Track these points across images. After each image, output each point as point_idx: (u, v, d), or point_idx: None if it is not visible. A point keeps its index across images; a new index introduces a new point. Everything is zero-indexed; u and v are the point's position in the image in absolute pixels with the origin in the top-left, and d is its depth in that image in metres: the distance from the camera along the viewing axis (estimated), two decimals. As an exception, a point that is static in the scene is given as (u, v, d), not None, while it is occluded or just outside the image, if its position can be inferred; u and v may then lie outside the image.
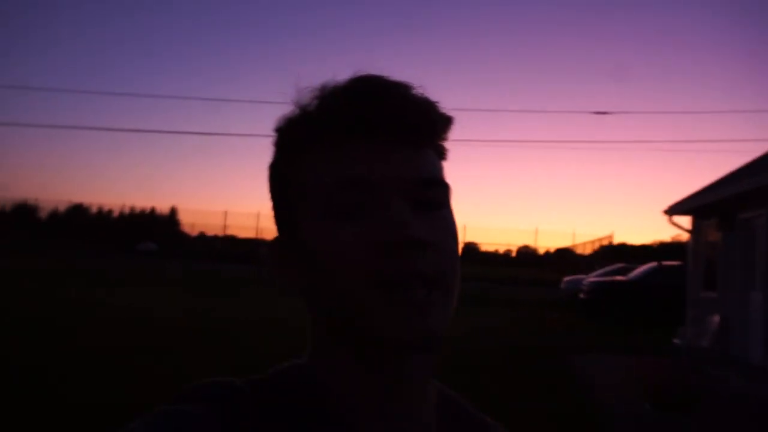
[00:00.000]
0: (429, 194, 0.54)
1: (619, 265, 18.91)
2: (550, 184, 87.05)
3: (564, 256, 42.01)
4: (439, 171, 0.56)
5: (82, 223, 51.55)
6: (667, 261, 14.82)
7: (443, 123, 0.56)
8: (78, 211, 57.39)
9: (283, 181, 0.57)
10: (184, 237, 47.49)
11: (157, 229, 50.03)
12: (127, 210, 56.53)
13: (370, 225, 0.51)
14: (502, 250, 58.15)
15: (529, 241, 57.58)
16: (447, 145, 0.59)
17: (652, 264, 14.85)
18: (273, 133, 0.58)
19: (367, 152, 0.52)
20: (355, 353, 0.54)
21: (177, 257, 31.93)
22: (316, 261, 0.53)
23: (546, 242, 67.78)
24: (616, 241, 35.98)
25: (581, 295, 14.87)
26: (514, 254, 58.28)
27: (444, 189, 0.56)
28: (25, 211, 53.31)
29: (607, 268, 19.11)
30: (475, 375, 6.86)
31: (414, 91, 0.54)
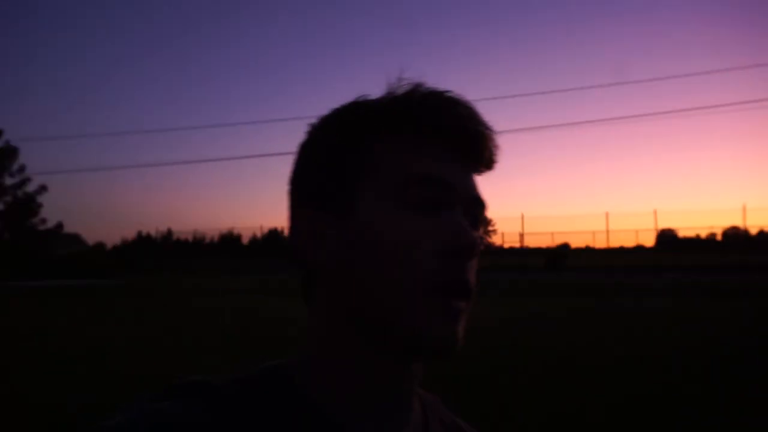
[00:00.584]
0: (478, 214, 0.57)
1: None
2: (756, 152, 76.33)
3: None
4: None
5: (277, 245, 56.13)
6: None
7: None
8: (273, 235, 62.78)
9: (347, 157, 0.55)
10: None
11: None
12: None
13: (437, 229, 0.52)
14: (704, 234, 52.21)
15: (737, 221, 50.70)
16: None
17: None
18: (350, 105, 0.58)
19: (443, 159, 0.54)
20: (374, 348, 0.53)
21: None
22: (375, 247, 0.52)
23: (758, 221, 58.83)
24: None
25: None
26: (719, 237, 52.10)
27: (486, 212, 0.58)
28: (230, 239, 59.53)
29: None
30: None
31: (489, 124, 0.57)
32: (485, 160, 0.57)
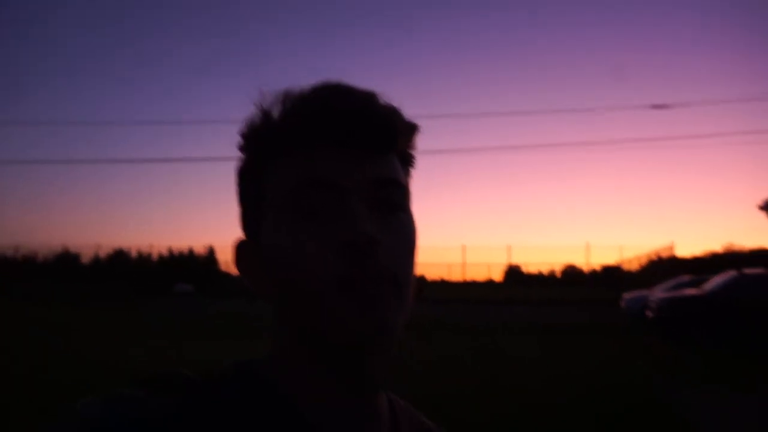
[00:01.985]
0: (386, 195, 0.56)
1: (687, 277, 17.20)
2: (602, 192, 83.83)
3: (612, 274, 40.25)
4: (398, 174, 0.58)
5: (123, 267, 51.99)
6: (748, 269, 12.86)
7: (406, 131, 0.59)
8: (119, 256, 58.23)
9: (247, 185, 0.60)
10: (223, 276, 47.05)
11: (195, 269, 50.07)
12: (165, 252, 56.84)
13: (328, 225, 0.53)
14: (546, 270, 56.42)
15: (581, 259, 55.23)
16: (417, 152, 0.62)
17: (732, 273, 12.78)
18: (244, 130, 0.60)
19: (328, 157, 0.55)
20: (317, 355, 0.55)
21: (214, 297, 31.49)
22: (277, 262, 0.55)
23: (599, 259, 64.37)
24: (680, 253, 33.56)
25: (649, 314, 13.30)
26: (558, 275, 56.54)
27: (401, 191, 0.58)
28: (67, 259, 54.21)
29: (673, 282, 17.24)
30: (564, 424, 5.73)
31: (377, 99, 0.56)
32: (382, 143, 0.56)
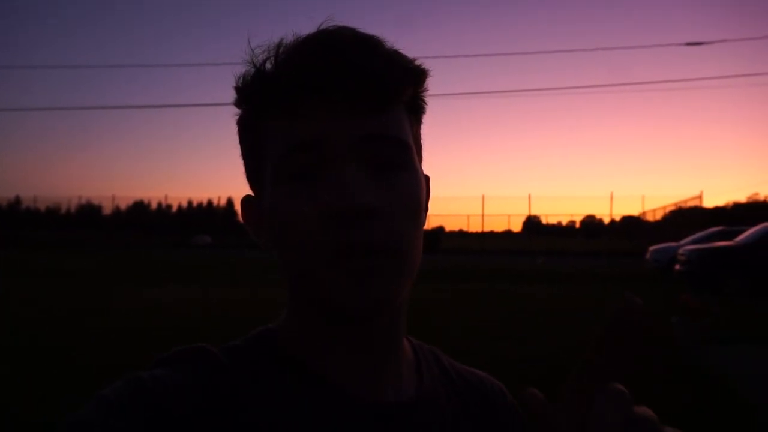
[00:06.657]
0: (381, 152, 0.52)
1: (717, 228, 16.73)
2: (628, 140, 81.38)
3: (633, 224, 39.74)
4: (397, 128, 0.53)
5: (143, 219, 52.62)
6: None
7: (410, 79, 0.53)
8: (139, 207, 58.90)
9: (248, 140, 0.58)
10: (243, 227, 47.23)
11: (214, 221, 50.48)
12: (185, 204, 57.27)
13: (318, 192, 0.50)
14: (565, 221, 56.06)
15: (604, 210, 54.61)
16: (428, 98, 0.57)
17: (767, 225, 12.28)
18: (238, 86, 0.56)
19: (322, 113, 0.51)
20: (316, 314, 0.55)
21: (232, 248, 31.65)
22: (275, 224, 0.53)
23: (622, 210, 62.95)
24: (707, 204, 32.64)
25: (678, 267, 12.96)
26: (577, 225, 56.22)
27: (400, 147, 0.53)
28: (90, 210, 54.96)
29: (703, 233, 16.74)
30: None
31: (377, 48, 0.52)
32: (383, 93, 0.51)
